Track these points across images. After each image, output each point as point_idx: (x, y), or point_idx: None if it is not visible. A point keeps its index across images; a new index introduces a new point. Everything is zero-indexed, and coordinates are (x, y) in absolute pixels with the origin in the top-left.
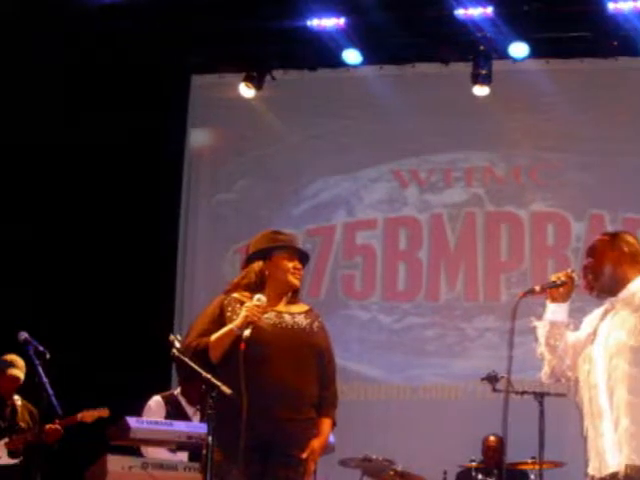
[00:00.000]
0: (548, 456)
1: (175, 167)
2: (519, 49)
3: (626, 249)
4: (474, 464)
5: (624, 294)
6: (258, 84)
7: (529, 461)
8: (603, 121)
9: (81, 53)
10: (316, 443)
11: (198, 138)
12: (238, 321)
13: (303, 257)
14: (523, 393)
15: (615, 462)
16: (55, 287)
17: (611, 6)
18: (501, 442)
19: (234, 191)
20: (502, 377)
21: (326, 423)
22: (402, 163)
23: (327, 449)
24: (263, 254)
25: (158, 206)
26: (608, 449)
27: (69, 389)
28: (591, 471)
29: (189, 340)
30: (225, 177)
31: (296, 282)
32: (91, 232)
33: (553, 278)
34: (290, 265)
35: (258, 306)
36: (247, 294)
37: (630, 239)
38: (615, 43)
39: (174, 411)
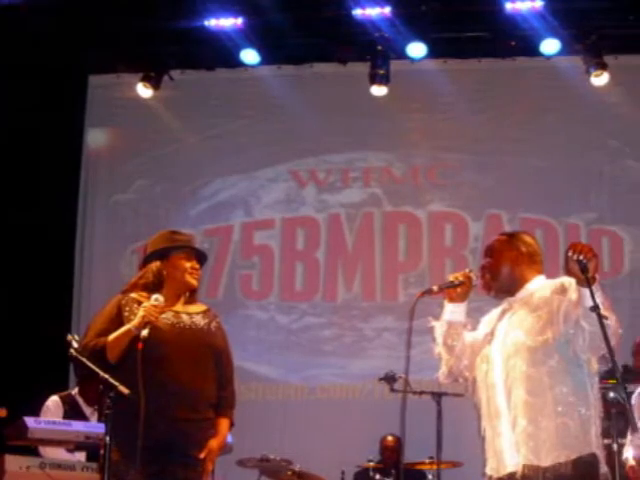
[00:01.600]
0: (446, 456)
1: (73, 167)
2: (417, 49)
3: (524, 249)
4: (372, 464)
5: (522, 294)
6: (156, 84)
7: (427, 461)
8: (501, 121)
9: None
10: (214, 443)
11: (96, 138)
12: (135, 321)
13: (201, 257)
14: (421, 393)
15: (513, 462)
16: None
17: (509, 6)
18: (399, 442)
19: (132, 191)
20: (400, 377)
21: (224, 423)
22: (300, 163)
23: (225, 449)
24: (161, 254)
25: (55, 206)
26: (506, 449)
27: None
28: (489, 471)
29: (87, 340)
30: (123, 177)
31: (194, 282)
32: None
33: (451, 278)
34: (188, 265)
35: (156, 306)
36: (145, 294)
37: (528, 239)
38: (513, 43)
39: (72, 411)
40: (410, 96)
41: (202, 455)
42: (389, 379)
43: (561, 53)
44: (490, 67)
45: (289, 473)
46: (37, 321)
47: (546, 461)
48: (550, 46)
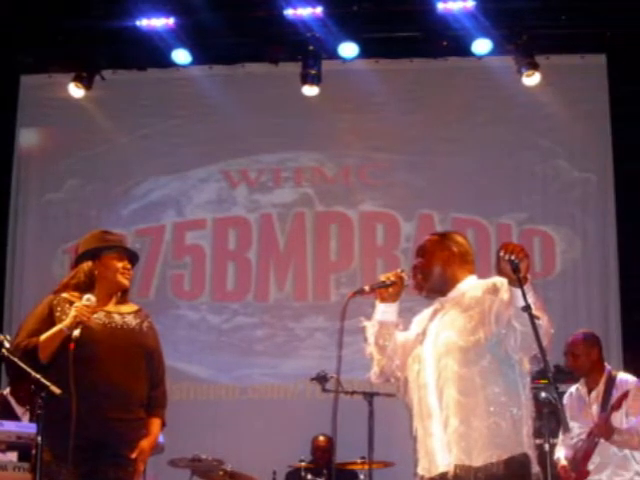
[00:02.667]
0: (377, 456)
1: (4, 167)
2: (349, 49)
3: (455, 249)
4: (303, 464)
5: (453, 294)
6: (88, 84)
7: (359, 461)
8: (432, 121)
9: None
10: (145, 443)
11: (27, 138)
12: (67, 321)
13: (132, 257)
14: (353, 393)
15: (445, 462)
16: None
17: (440, 6)
18: (330, 442)
19: (64, 191)
20: (332, 377)
21: (155, 423)
22: (231, 163)
23: (156, 449)
24: (92, 254)
25: None
26: (437, 449)
27: None
28: (420, 471)
29: (18, 340)
30: (55, 177)
31: (125, 282)
32: None
33: (382, 278)
34: (119, 265)
35: (87, 306)
36: (76, 294)
37: (459, 239)
38: (445, 43)
39: (3, 411)
40: (342, 96)
41: (133, 455)
42: (321, 379)
43: (493, 53)
44: (422, 67)
45: (221, 473)
46: None
47: (478, 461)
48: (482, 46)
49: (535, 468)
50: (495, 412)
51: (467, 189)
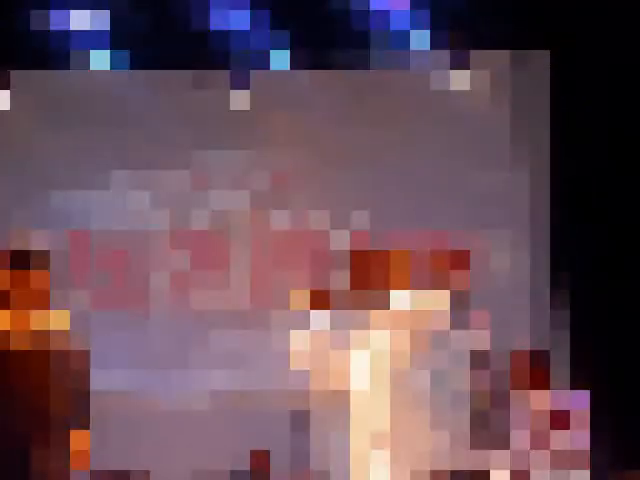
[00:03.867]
0: None
1: None
2: (279, 58)
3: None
4: None
5: None
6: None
7: None
8: (364, 130)
9: None
10: None
11: None
12: None
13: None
14: None
15: None
16: None
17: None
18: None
19: None
20: None
21: None
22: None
23: None
24: None
25: None
26: None
27: None
28: None
29: None
30: None
31: None
32: None
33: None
34: None
35: None
36: None
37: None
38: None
39: None
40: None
41: None
42: None
43: (427, 51)
44: (353, 76)
45: None
46: None
47: None
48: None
49: None
50: None
51: (403, 198)
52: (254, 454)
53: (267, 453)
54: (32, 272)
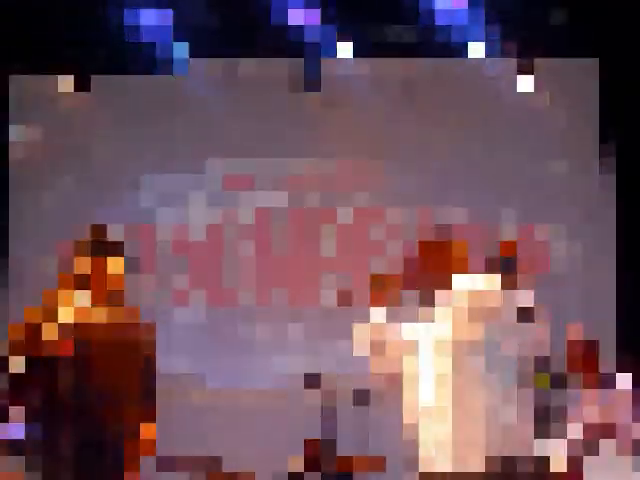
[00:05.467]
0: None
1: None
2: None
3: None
4: None
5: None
6: (80, 84)
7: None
8: (424, 122)
9: None
10: None
11: (20, 136)
12: None
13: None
14: None
15: None
16: None
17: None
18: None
19: (57, 189)
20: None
21: None
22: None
23: None
24: None
25: None
26: None
27: None
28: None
29: None
30: (49, 175)
31: None
32: None
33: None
34: None
35: None
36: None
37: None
38: (439, 43)
39: None
40: (336, 97)
41: None
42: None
43: (486, 54)
44: (414, 67)
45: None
46: None
47: None
48: (475, 47)
49: None
50: None
51: (459, 189)
52: (308, 443)
53: (318, 442)
54: (109, 259)
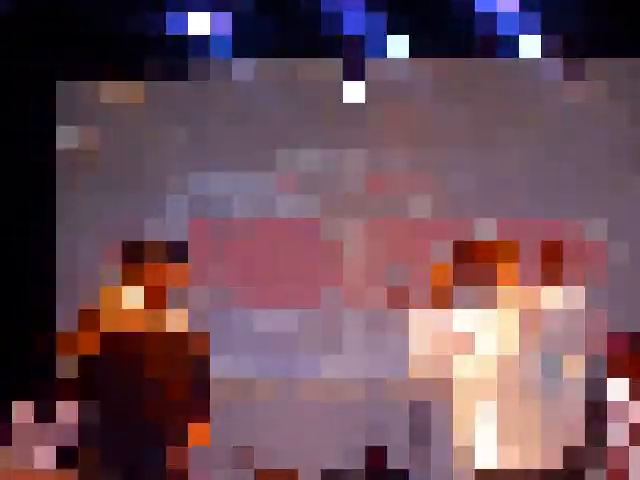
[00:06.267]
0: None
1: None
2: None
3: None
4: None
5: None
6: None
7: None
8: (480, 121)
9: None
10: None
11: (68, 139)
12: None
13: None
14: None
15: None
16: None
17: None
18: None
19: (104, 190)
20: None
21: None
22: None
23: None
24: None
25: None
26: None
27: None
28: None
29: None
30: (97, 175)
31: None
32: None
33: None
34: None
35: None
36: None
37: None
38: (493, 42)
39: None
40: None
41: None
42: None
43: (540, 54)
44: (469, 66)
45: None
46: None
47: None
48: (529, 46)
49: None
50: None
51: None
52: (370, 451)
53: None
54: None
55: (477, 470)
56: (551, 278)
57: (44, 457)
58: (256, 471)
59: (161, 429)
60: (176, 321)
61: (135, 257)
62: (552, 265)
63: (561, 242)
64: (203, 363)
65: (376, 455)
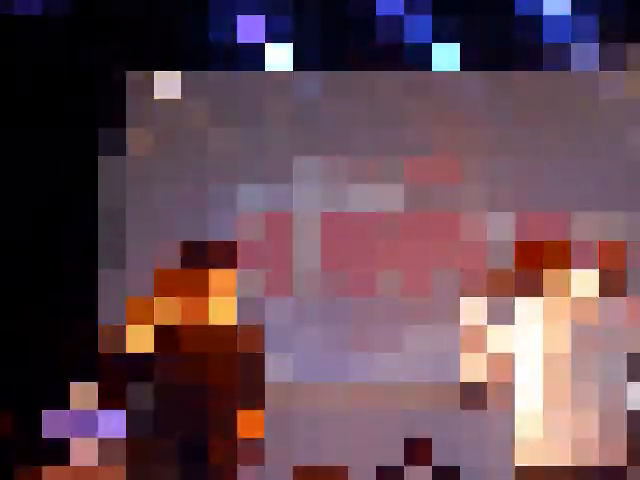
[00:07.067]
0: None
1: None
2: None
3: None
4: None
5: None
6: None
7: None
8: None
9: None
10: None
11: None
12: None
13: None
14: None
15: None
16: None
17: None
18: None
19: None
20: None
21: None
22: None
23: None
24: None
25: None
26: None
27: None
28: None
29: None
30: (157, 175)
31: None
32: None
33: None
34: None
35: None
36: None
37: None
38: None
39: None
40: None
41: None
42: None
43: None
44: (522, 78)
45: None
46: None
47: None
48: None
49: None
50: None
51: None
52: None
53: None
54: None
55: (538, 467)
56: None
57: (90, 451)
58: (307, 467)
59: (208, 421)
60: (222, 311)
61: (196, 260)
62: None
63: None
64: (255, 362)
65: (425, 449)
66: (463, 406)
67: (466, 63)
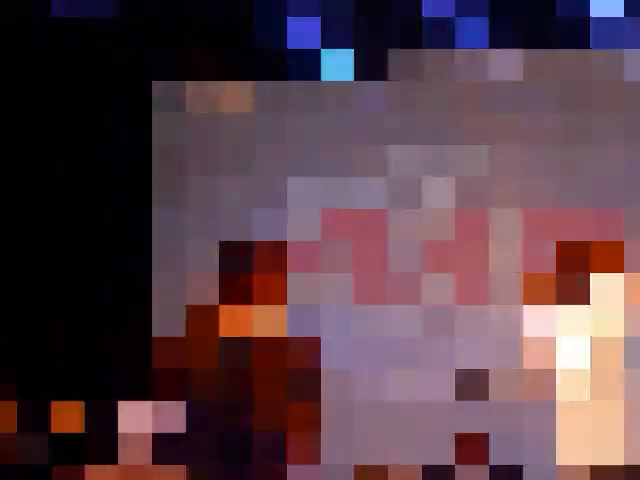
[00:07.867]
0: None
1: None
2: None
3: None
4: None
5: None
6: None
7: None
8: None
9: None
10: None
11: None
12: None
13: None
14: None
15: None
16: None
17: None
18: None
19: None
20: None
21: None
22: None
23: None
24: None
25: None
26: None
27: None
28: None
29: None
30: (199, 176)
31: None
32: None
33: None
34: None
35: None
36: None
37: None
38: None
39: None
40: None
41: None
42: None
43: None
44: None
45: None
46: None
47: None
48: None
49: None
50: None
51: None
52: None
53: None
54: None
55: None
56: None
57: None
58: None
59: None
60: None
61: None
62: None
63: None
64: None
65: (481, 446)
66: (458, 397)
67: (496, 39)
